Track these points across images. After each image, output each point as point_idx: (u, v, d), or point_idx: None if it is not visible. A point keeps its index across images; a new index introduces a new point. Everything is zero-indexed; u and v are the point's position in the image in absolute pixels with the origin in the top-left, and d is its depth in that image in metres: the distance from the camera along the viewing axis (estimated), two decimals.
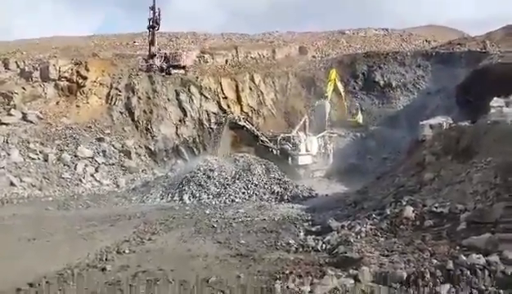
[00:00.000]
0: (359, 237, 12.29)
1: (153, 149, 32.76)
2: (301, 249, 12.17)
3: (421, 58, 45.26)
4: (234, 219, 17.03)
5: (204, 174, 23.11)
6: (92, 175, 28.77)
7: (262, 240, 13.36)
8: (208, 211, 18.81)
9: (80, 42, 45.63)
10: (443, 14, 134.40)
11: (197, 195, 22.08)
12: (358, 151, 35.29)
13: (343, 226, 13.86)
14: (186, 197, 21.92)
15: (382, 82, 43.76)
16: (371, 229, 12.73)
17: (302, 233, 14.31)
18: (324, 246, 12.29)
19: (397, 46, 56.62)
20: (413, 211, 13.02)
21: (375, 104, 42.92)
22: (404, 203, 13.87)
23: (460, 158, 15.80)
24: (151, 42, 36.98)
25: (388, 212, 13.65)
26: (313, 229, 14.89)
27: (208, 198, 21.86)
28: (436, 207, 12.68)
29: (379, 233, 12.36)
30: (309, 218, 16.90)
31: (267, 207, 20.24)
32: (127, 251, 11.92)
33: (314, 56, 48.32)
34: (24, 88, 32.97)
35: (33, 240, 13.42)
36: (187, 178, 23.14)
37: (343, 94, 39.97)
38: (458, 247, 10.04)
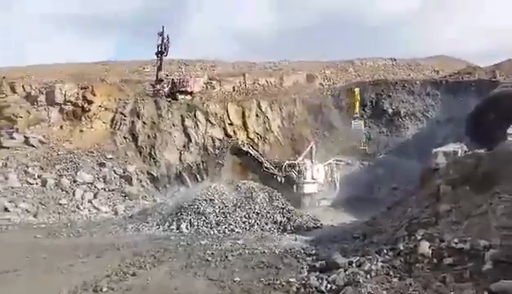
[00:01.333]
0: (369, 276, 10.60)
1: (155, 174, 31.39)
2: (303, 289, 10.55)
3: (430, 87, 43.95)
4: (231, 251, 15.38)
5: (203, 201, 21.53)
6: (89, 202, 27.34)
7: (259, 277, 11.71)
8: (204, 242, 17.19)
9: (90, 68, 45.17)
10: (450, 45, 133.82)
11: (195, 224, 20.47)
12: (366, 180, 33.45)
13: (350, 263, 12.13)
14: (183, 226, 20.31)
15: (390, 111, 42.41)
16: (383, 267, 11.02)
17: (305, 270, 12.61)
18: (329, 286, 10.64)
19: (405, 75, 55.42)
20: (429, 247, 11.33)
21: (383, 133, 41.41)
22: (419, 238, 12.17)
23: (478, 187, 14.08)
24: (159, 68, 36.26)
25: (402, 248, 11.94)
26: (317, 264, 13.14)
27: (207, 228, 20.24)
28: (456, 243, 10.98)
29: (391, 272, 10.65)
30: (313, 252, 15.16)
31: (269, 237, 18.56)
32: (104, 289, 10.38)
33: (322, 84, 47.25)
34: (28, 112, 32.13)
35: (6, 273, 11.89)
36: (186, 206, 21.57)
37: None
38: (486, 293, 8.38)
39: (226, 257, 14.38)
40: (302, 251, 15.52)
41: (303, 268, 12.91)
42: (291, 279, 11.32)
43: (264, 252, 15.30)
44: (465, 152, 18.61)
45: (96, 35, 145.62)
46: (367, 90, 44.48)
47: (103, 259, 14.27)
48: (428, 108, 42.49)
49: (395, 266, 10.91)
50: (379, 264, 11.26)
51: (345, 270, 11.56)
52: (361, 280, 10.29)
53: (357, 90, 41.15)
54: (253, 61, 55.31)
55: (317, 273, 12.08)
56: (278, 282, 11.21)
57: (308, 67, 52.58)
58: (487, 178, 14.11)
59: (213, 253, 14.92)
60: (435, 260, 10.64)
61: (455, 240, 11.06)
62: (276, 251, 15.45)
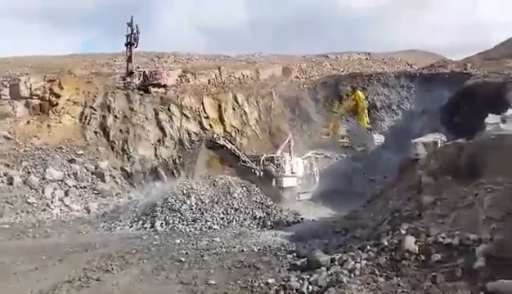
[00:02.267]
0: (353, 275, 9.74)
1: (129, 171, 29.88)
2: (282, 292, 9.60)
3: (405, 79, 43.97)
4: (207, 250, 14.34)
5: (178, 198, 20.35)
6: (60, 200, 25.66)
7: (236, 279, 10.72)
8: (179, 241, 16.07)
9: (58, 61, 42.92)
10: (421, 40, 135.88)
11: (170, 222, 19.29)
12: (345, 173, 32.96)
13: (333, 260, 11.28)
14: (157, 224, 19.10)
15: (366, 103, 42.02)
16: (367, 265, 10.18)
17: (285, 269, 11.71)
18: (310, 287, 9.72)
19: (380, 69, 55.42)
20: (415, 243, 10.54)
21: (359, 125, 41.00)
22: (403, 232, 11.36)
23: (462, 178, 13.46)
24: (129, 60, 34.51)
25: (386, 243, 11.12)
26: (298, 263, 12.26)
27: (183, 225, 19.10)
28: (443, 238, 10.21)
29: (377, 271, 9.82)
30: (294, 248, 14.28)
31: (248, 234, 17.59)
32: None
33: (298, 77, 46.51)
34: None
35: None
36: (160, 203, 20.34)
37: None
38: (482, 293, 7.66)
39: (202, 257, 13.34)
40: (282, 248, 14.64)
41: (282, 267, 12.03)
42: (270, 280, 10.37)
43: (242, 251, 14.33)
44: (444, 142, 18.05)
45: (64, 30, 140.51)
46: (343, 83, 44.07)
47: (67, 262, 12.99)
48: (404, 100, 42.47)
49: (380, 264, 10.08)
50: (363, 261, 10.41)
51: (327, 269, 10.70)
52: (344, 280, 9.44)
53: (360, 93, 38.67)
54: (227, 55, 54.13)
55: (298, 272, 11.19)
56: (256, 283, 10.26)
57: (283, 61, 51.77)
58: (471, 168, 13.47)
59: (187, 253, 13.86)
60: (423, 257, 9.85)
61: (443, 234, 10.31)
62: (255, 249, 14.51)
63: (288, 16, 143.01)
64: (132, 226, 19.45)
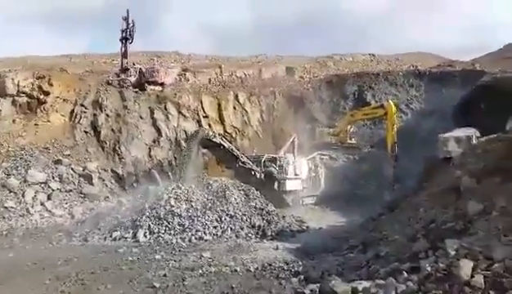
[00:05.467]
0: None
1: (120, 173, 26.55)
2: None
3: (414, 78, 40.41)
4: (192, 270, 10.99)
5: (165, 204, 16.96)
6: (42, 204, 22.44)
7: None
8: (160, 256, 12.69)
9: (56, 61, 39.89)
10: (426, 42, 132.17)
11: (155, 231, 15.90)
12: (352, 175, 29.41)
13: (355, 292, 7.91)
14: (140, 233, 15.72)
15: (373, 103, 38.50)
16: None
17: None
18: None
19: (385, 69, 52.01)
20: (474, 269, 7.16)
21: (366, 126, 37.44)
22: (452, 252, 7.99)
23: None
24: (124, 56, 31.35)
25: (429, 269, 7.74)
26: (307, 291, 8.87)
27: (170, 235, 15.70)
28: None
29: None
30: (300, 269, 10.88)
31: (244, 247, 14.19)
32: None
33: (302, 77, 43.08)
34: None
35: None
36: (145, 209, 16.97)
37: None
38: None
39: (183, 281, 9.99)
40: (285, 266, 11.25)
41: None
42: None
43: (235, 271, 10.96)
44: (478, 137, 14.65)
45: (67, 31, 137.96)
46: (349, 82, 40.65)
47: (9, 287, 9.65)
48: (413, 99, 38.91)
49: None
50: None
51: None
52: None
53: (392, 105, 28.67)
54: (229, 56, 50.90)
55: None
56: None
57: (287, 62, 48.50)
58: None
59: (165, 275, 10.48)
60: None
61: None
62: (252, 269, 11.14)
63: (291, 18, 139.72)
64: (111, 235, 16.04)
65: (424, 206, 11.80)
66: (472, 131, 15.77)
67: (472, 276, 6.82)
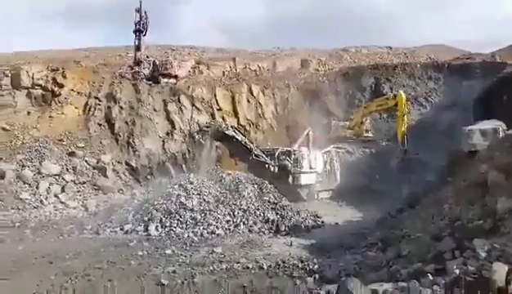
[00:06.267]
0: None
1: (134, 165, 26.28)
2: None
3: (432, 70, 39.02)
4: (202, 266, 10.51)
5: (178, 197, 16.53)
6: (56, 196, 22.33)
7: None
8: (170, 251, 12.25)
9: (72, 54, 39.85)
10: (444, 35, 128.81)
11: (167, 225, 15.50)
12: (368, 169, 28.50)
13: None
14: (152, 227, 15.35)
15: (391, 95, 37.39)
16: None
17: None
18: None
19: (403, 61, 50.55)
20: (508, 273, 6.43)
21: (383, 119, 36.34)
22: (483, 254, 7.28)
23: None
24: (137, 48, 31.00)
25: (457, 271, 7.04)
26: (323, 293, 8.26)
27: (182, 229, 15.29)
28: None
29: None
30: (315, 267, 10.26)
31: (257, 242, 13.64)
32: None
33: (317, 69, 42.11)
34: None
35: None
36: (157, 202, 16.57)
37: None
38: None
39: (192, 278, 9.51)
40: (300, 264, 10.67)
41: None
42: None
43: (247, 267, 10.44)
44: (505, 130, 13.71)
45: (83, 25, 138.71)
46: (366, 74, 39.52)
47: (14, 282, 9.33)
48: (431, 92, 37.59)
49: None
50: None
51: None
52: None
53: (403, 95, 28.37)
54: (243, 49, 50.15)
55: None
56: None
57: (302, 54, 47.52)
58: None
59: (174, 271, 10.01)
60: None
61: None
62: (264, 266, 10.59)
63: (305, 12, 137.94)
64: (122, 229, 15.71)
65: (448, 202, 11.01)
66: (498, 124, 14.82)
67: (508, 282, 6.10)
